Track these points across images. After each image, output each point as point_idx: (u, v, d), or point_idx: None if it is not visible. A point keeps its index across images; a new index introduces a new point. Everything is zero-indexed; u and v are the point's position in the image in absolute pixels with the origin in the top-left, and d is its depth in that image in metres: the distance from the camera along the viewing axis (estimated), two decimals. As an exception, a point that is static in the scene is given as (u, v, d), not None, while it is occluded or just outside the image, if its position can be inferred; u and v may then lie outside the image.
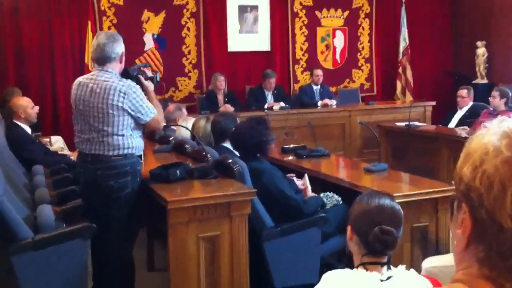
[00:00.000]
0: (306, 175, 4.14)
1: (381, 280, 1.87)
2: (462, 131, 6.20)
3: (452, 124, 6.84)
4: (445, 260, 2.09)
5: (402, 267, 1.95)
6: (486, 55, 9.37)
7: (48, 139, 6.44)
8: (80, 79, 3.63)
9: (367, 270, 1.92)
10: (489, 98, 6.52)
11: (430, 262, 2.21)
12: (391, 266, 1.96)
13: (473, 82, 9.08)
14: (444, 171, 5.88)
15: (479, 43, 9.41)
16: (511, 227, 0.77)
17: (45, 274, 3.07)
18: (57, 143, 6.50)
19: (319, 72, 8.60)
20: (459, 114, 6.90)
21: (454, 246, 0.89)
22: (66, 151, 5.89)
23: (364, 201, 2.05)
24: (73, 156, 4.92)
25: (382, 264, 1.94)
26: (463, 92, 6.89)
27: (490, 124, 0.86)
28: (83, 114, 3.51)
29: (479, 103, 6.97)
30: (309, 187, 4.04)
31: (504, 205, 0.77)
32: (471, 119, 6.52)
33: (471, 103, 6.88)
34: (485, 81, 9.30)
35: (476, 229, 0.82)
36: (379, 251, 1.93)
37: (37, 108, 5.47)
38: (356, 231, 2.00)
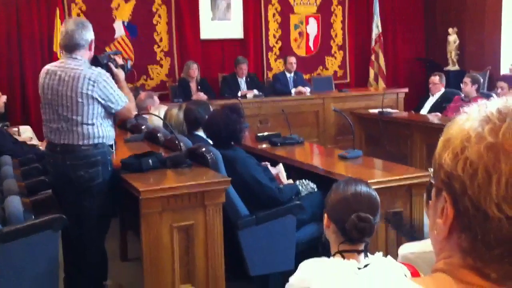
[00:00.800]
0: (280, 164, 4.11)
1: (359, 268, 1.85)
2: (435, 117, 6.25)
3: (425, 110, 6.89)
4: (422, 246, 2.08)
5: (379, 254, 1.93)
6: (457, 42, 9.46)
7: (16, 129, 6.29)
8: (48, 66, 3.54)
9: (344, 258, 1.90)
10: (461, 85, 6.58)
11: (407, 248, 2.20)
12: (368, 254, 1.94)
13: (445, 68, 9.17)
14: (417, 157, 5.92)
15: (450, 30, 9.49)
16: (497, 216, 0.74)
17: (15, 266, 2.99)
18: (25, 133, 6.35)
19: (292, 59, 8.56)
20: (431, 101, 6.95)
21: (430, 234, 0.86)
22: (35, 141, 5.76)
23: (340, 188, 2.02)
24: (42, 146, 4.81)
25: (359, 252, 1.92)
26: (435, 78, 6.94)
27: (469, 109, 0.82)
28: (51, 103, 3.42)
29: (451, 90, 7.04)
30: (284, 174, 4.01)
31: (490, 193, 0.74)
32: (443, 105, 6.57)
33: (443, 90, 6.93)
34: (456, 67, 9.40)
35: (459, 218, 0.78)
36: (357, 238, 1.91)
37: (4, 97, 5.34)
38: (333, 219, 1.97)
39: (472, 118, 0.80)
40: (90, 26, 3.51)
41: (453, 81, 7.89)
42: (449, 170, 0.78)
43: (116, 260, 4.31)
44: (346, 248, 1.92)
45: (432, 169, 0.84)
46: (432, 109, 6.75)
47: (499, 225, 0.74)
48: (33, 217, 3.30)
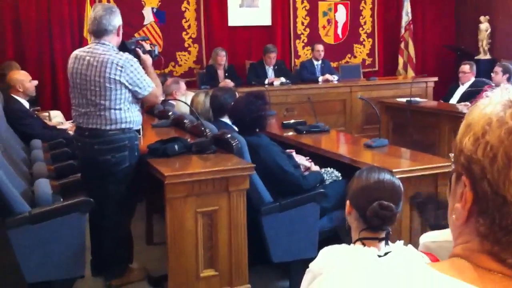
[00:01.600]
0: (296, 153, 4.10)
1: (379, 256, 1.85)
2: (464, 107, 6.15)
3: (454, 99, 6.79)
4: (444, 235, 2.06)
5: (400, 243, 1.92)
6: (489, 30, 9.28)
7: (47, 114, 6.40)
8: (76, 52, 3.59)
9: (364, 246, 1.90)
10: (492, 74, 6.46)
11: (429, 237, 2.18)
12: (389, 242, 1.93)
13: (476, 57, 9.01)
14: (444, 147, 5.85)
15: (482, 18, 9.30)
16: None
17: (42, 247, 3.07)
18: (56, 117, 6.47)
19: (320, 47, 8.50)
20: (461, 90, 6.84)
21: (449, 219, 0.86)
22: (65, 126, 5.86)
23: (363, 176, 2.01)
24: (72, 130, 4.89)
25: (380, 240, 1.91)
26: (465, 67, 6.82)
27: (492, 94, 0.81)
28: (79, 87, 3.48)
29: (481, 79, 6.91)
30: (301, 159, 3.99)
31: (509, 177, 0.74)
32: (473, 95, 6.46)
33: (473, 79, 6.81)
34: (487, 56, 9.22)
35: (477, 203, 0.78)
36: (377, 226, 1.90)
37: (35, 82, 5.43)
38: (355, 206, 1.97)
39: (494, 102, 0.79)
40: (118, 12, 3.54)
41: (484, 70, 7.73)
42: (469, 154, 0.78)
43: (142, 244, 4.37)
44: (367, 235, 1.92)
45: (452, 154, 0.84)
46: (462, 99, 6.65)
47: None
48: (61, 199, 3.38)
